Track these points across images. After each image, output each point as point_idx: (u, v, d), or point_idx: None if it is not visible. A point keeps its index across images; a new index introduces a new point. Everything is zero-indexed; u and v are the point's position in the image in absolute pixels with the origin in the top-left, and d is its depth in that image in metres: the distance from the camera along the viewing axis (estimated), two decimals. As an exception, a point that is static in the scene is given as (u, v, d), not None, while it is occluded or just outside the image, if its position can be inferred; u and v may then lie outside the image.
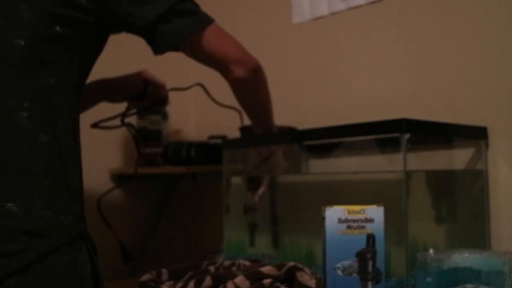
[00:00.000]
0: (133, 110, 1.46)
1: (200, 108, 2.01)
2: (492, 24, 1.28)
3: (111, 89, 1.39)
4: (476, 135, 1.26)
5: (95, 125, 1.37)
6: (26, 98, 0.94)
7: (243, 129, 1.62)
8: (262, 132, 1.35)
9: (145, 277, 1.21)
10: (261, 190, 1.40)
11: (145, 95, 1.42)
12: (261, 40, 1.76)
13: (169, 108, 1.87)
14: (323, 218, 0.91)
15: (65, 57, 1.00)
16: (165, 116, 1.84)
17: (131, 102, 1.45)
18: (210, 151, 1.62)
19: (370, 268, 0.89)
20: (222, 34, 1.16)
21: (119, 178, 1.87)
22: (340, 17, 1.59)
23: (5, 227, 0.90)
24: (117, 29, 1.11)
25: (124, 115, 1.40)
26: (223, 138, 1.75)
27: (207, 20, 1.13)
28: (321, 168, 1.58)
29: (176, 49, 1.13)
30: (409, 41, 1.43)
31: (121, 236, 1.49)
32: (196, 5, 1.13)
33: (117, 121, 1.42)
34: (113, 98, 1.43)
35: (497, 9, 1.27)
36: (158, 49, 1.10)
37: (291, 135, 1.43)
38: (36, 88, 0.96)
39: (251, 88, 1.24)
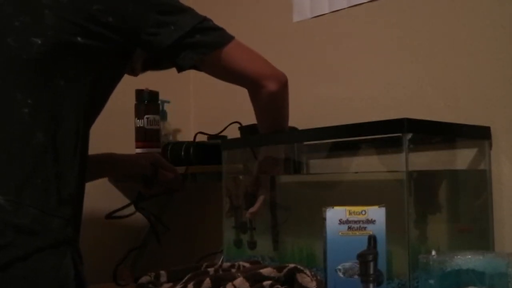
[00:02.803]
0: (145, 197, 1.42)
1: (200, 108, 2.00)
2: (495, 23, 1.27)
3: (115, 165, 1.37)
4: (479, 135, 1.25)
5: (108, 216, 1.33)
6: (31, 95, 0.96)
7: (243, 129, 1.61)
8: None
9: (144, 279, 1.20)
10: (258, 205, 1.37)
11: (155, 181, 1.38)
12: (261, 38, 1.75)
13: (169, 108, 1.87)
14: (324, 219, 0.90)
15: (81, 65, 1.01)
16: (163, 116, 1.83)
17: (142, 189, 1.42)
18: (210, 151, 1.61)
19: (371, 270, 0.89)
20: (247, 49, 1.14)
21: (117, 180, 1.86)
22: (341, 15, 1.58)
23: None
24: (141, 49, 1.11)
25: (136, 201, 1.37)
26: (223, 138, 1.73)
27: (230, 36, 1.12)
28: (321, 168, 1.57)
29: (198, 66, 1.11)
30: (411, 40, 1.42)
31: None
32: (217, 25, 1.13)
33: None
34: (116, 174, 1.40)
35: (499, 8, 1.26)
36: (182, 65, 1.09)
37: (291, 135, 1.42)
38: (43, 86, 0.97)
39: (281, 101, 1.21)
